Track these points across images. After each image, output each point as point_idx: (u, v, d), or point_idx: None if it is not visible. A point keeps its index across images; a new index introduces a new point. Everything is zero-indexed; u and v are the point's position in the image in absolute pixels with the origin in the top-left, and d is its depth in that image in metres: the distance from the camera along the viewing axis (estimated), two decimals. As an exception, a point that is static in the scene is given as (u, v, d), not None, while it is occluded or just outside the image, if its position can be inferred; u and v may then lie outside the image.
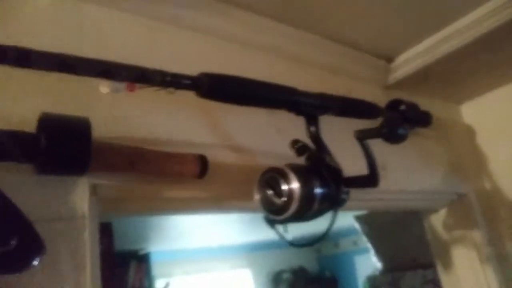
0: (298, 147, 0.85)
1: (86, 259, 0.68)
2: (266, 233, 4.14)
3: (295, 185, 0.76)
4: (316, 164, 0.84)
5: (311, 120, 0.88)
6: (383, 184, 0.93)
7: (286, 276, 5.90)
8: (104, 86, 0.62)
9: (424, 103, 1.39)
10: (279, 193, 0.78)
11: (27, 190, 0.66)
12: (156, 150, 0.75)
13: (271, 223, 0.83)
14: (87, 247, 0.69)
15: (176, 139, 0.85)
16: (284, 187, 0.77)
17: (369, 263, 5.10)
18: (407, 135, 0.90)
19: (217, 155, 0.89)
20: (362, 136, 0.87)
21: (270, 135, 1.04)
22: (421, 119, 1.44)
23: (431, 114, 1.49)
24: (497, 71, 1.52)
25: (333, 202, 0.82)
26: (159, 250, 4.68)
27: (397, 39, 1.33)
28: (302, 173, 0.78)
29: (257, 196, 0.82)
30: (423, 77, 1.41)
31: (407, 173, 1.39)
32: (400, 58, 1.37)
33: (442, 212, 1.61)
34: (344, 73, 1.31)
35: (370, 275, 2.30)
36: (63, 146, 0.64)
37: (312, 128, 0.88)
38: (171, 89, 0.68)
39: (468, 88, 1.64)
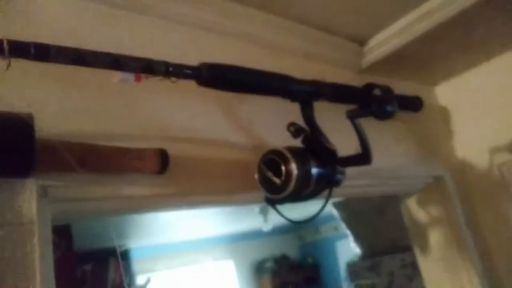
0: (294, 129, 0.89)
1: (35, 267, 0.62)
2: (248, 223, 4.13)
3: (292, 165, 0.81)
4: (312, 146, 0.88)
5: (306, 106, 0.93)
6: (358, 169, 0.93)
7: (268, 264, 5.91)
8: (114, 77, 0.64)
9: (399, 86, 1.35)
10: (277, 173, 0.82)
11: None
12: (110, 146, 0.69)
13: (271, 202, 0.88)
14: (36, 254, 0.63)
15: (134, 133, 0.79)
16: (283, 167, 0.82)
17: (350, 248, 5.18)
18: (394, 112, 0.99)
19: (178, 148, 0.83)
20: (354, 115, 0.95)
21: (240, 126, 0.99)
22: (411, 104, 1.45)
23: (422, 99, 1.48)
24: (471, 51, 1.50)
25: (328, 182, 0.88)
26: (139, 246, 4.60)
27: (369, 21, 1.28)
28: (299, 155, 0.84)
29: (256, 176, 0.86)
30: (396, 60, 1.38)
31: (382, 157, 1.36)
32: (373, 41, 1.33)
33: (418, 196, 1.59)
34: (318, 57, 1.26)
35: (349, 261, 2.29)
36: (1, 145, 0.57)
37: (307, 113, 0.92)
38: (173, 79, 0.71)
39: (443, 69, 1.61)
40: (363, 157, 0.90)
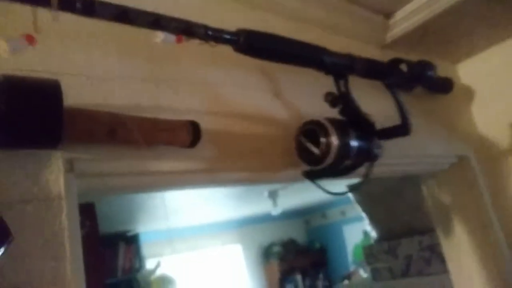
0: (331, 98, 0.87)
1: (65, 245, 0.58)
2: (257, 207, 4.10)
3: (333, 136, 0.80)
4: (352, 117, 0.87)
5: (340, 79, 0.91)
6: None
7: (276, 249, 5.91)
8: (157, 37, 0.64)
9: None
10: (316, 144, 0.81)
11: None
12: (140, 117, 0.64)
13: (310, 177, 0.87)
14: (65, 232, 0.58)
15: (163, 104, 0.74)
16: (322, 138, 0.81)
17: (357, 232, 5.16)
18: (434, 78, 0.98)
19: (210, 121, 0.78)
20: (392, 84, 0.96)
21: (276, 99, 0.94)
22: (441, 85, 1.40)
23: (452, 80, 1.43)
24: (495, 27, 1.43)
25: (367, 155, 0.85)
26: (149, 230, 4.59)
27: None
28: (339, 126, 0.82)
29: (295, 146, 0.85)
30: (421, 35, 1.31)
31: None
32: (400, 13, 1.26)
33: (442, 176, 1.54)
34: (341, 31, 1.20)
35: (366, 245, 2.25)
36: (27, 113, 0.52)
37: (342, 86, 0.90)
38: (212, 43, 0.70)
39: (466, 46, 1.55)
40: (402, 128, 0.88)
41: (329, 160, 0.79)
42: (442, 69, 1.57)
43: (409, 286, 1.96)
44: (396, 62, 1.21)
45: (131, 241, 4.29)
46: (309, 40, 1.01)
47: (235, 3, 0.99)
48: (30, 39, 0.55)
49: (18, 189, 0.57)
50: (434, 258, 1.93)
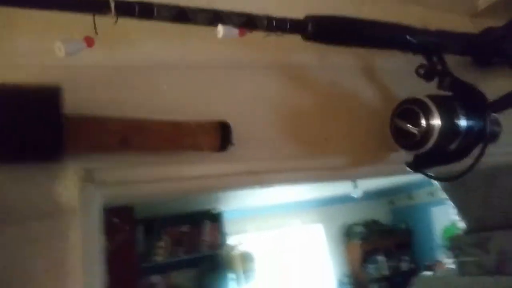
0: (424, 71, 0.76)
1: (76, 264, 0.51)
2: (337, 188, 3.92)
3: (435, 115, 0.68)
4: (456, 91, 0.74)
5: (433, 56, 0.78)
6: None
7: (358, 229, 5.67)
8: (219, 31, 0.59)
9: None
10: (416, 125, 0.70)
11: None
12: (157, 121, 0.54)
13: (416, 167, 0.76)
14: (78, 249, 0.52)
15: (189, 103, 0.64)
16: (422, 119, 0.69)
17: (446, 214, 4.72)
18: None
19: (245, 120, 0.67)
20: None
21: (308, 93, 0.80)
22: None
23: None
24: None
25: (481, 136, 0.71)
26: (231, 208, 4.67)
27: None
28: (442, 103, 0.70)
29: (390, 129, 0.75)
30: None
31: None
32: (493, -28, 1.01)
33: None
34: (420, 0, 0.99)
35: (453, 236, 1.99)
36: (23, 126, 0.45)
37: (437, 64, 0.77)
38: (278, 33, 0.65)
39: None
40: None
41: (431, 143, 0.68)
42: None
43: (501, 285, 1.68)
44: (488, 33, 0.97)
45: (215, 219, 4.40)
46: (375, 13, 0.86)
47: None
48: (89, 41, 0.54)
49: (28, 204, 0.51)
50: (536, 256, 1.63)
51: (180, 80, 0.65)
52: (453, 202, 2.03)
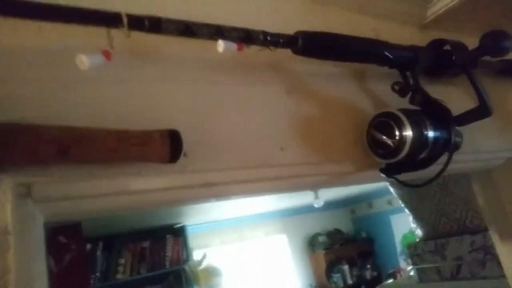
0: (399, 88, 0.83)
1: (9, 291, 0.46)
2: (299, 199, 3.95)
3: (407, 127, 0.75)
4: (425, 106, 0.82)
5: (407, 71, 0.88)
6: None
7: (321, 239, 5.72)
8: (220, 45, 0.62)
9: (470, 46, 1.06)
10: (390, 136, 0.77)
11: None
12: (99, 129, 0.50)
13: (388, 173, 0.83)
14: (12, 274, 0.46)
15: (137, 111, 0.60)
16: (396, 130, 0.76)
17: (405, 222, 4.85)
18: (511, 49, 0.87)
19: (199, 130, 0.64)
20: (465, 59, 0.90)
21: (268, 100, 0.78)
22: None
23: None
24: None
25: (446, 146, 0.79)
26: (195, 222, 4.58)
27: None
28: (413, 116, 0.77)
29: (367, 140, 0.82)
30: (470, 10, 1.08)
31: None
32: (441, -15, 1.04)
33: (496, 171, 1.30)
34: (372, 10, 1.00)
35: (411, 243, 2.02)
36: None
37: (410, 78, 0.87)
38: (272, 48, 0.70)
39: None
40: (481, 110, 0.82)
41: (404, 152, 0.74)
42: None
43: (460, 289, 1.72)
44: (439, 44, 1.00)
45: (179, 233, 4.30)
46: (329, 23, 0.89)
47: None
48: (107, 55, 0.55)
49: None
50: (489, 260, 1.68)
51: (127, 86, 0.61)
52: (409, 210, 2.07)
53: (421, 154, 0.79)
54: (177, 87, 0.66)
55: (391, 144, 0.77)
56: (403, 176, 0.85)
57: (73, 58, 0.52)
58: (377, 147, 0.80)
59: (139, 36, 0.57)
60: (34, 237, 0.53)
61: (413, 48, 0.91)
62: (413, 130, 0.75)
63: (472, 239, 1.74)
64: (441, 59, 0.98)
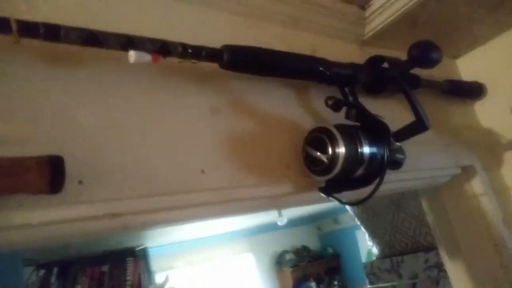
0: (332, 102, 0.80)
1: None
2: (264, 217, 3.87)
3: (340, 143, 0.72)
4: (363, 121, 0.80)
5: (345, 90, 0.87)
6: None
7: (289, 256, 5.64)
8: (130, 56, 0.58)
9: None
10: (324, 152, 0.74)
11: None
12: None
13: (327, 192, 0.80)
14: None
15: (19, 134, 0.52)
16: (329, 146, 0.73)
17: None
18: (440, 60, 0.85)
19: (98, 151, 0.56)
20: (396, 69, 0.89)
21: (193, 119, 0.72)
22: (469, 89, 1.29)
23: (481, 83, 1.28)
24: (501, 12, 1.17)
25: (384, 163, 0.75)
26: (157, 244, 4.40)
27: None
28: (347, 132, 0.74)
29: (303, 154, 0.79)
30: (409, 26, 1.07)
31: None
32: (377, 2, 1.02)
33: (444, 189, 1.28)
34: (307, 26, 0.97)
35: (366, 262, 1.98)
36: None
37: (349, 94, 0.87)
38: (194, 61, 0.67)
39: (466, 38, 1.28)
40: (419, 124, 0.80)
41: (338, 168, 0.72)
42: (440, 67, 1.32)
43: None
44: (376, 61, 0.97)
45: (140, 256, 4.11)
46: (265, 39, 0.87)
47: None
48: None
49: None
50: (443, 277, 1.66)
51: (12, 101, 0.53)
52: (365, 228, 2.04)
53: (358, 171, 0.76)
54: (76, 103, 0.58)
55: (325, 160, 0.74)
56: (345, 196, 0.81)
57: None
58: (312, 163, 0.77)
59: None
60: None
61: (351, 66, 0.90)
62: (346, 145, 0.72)
63: (426, 256, 1.72)
64: (379, 76, 0.95)
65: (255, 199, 0.78)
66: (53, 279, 3.58)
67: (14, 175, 0.44)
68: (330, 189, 0.80)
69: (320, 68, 0.82)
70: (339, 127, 0.75)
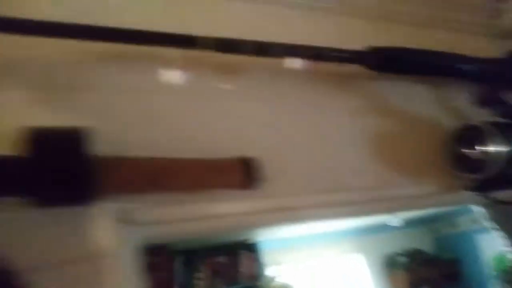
0: (479, 98, 0.81)
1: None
2: (378, 217, 3.77)
3: (501, 141, 0.72)
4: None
5: (488, 85, 0.84)
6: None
7: (401, 259, 5.41)
8: (285, 63, 0.65)
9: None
10: (477, 150, 0.74)
11: (27, 228, 0.50)
12: (184, 159, 0.55)
13: (480, 190, 0.79)
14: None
15: (215, 139, 0.64)
16: (483, 144, 0.73)
17: (493, 242, 4.40)
18: None
19: (276, 155, 0.66)
20: None
21: (341, 121, 0.78)
22: None
23: None
24: None
25: None
26: (268, 238, 4.58)
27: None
28: (505, 130, 0.74)
29: (451, 153, 0.79)
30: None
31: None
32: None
33: None
34: (443, 24, 0.97)
35: (506, 268, 1.83)
36: (50, 170, 0.46)
37: (494, 94, 0.83)
38: (342, 64, 0.71)
39: None
40: None
41: (496, 167, 0.71)
42: None
43: None
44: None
45: (252, 249, 4.34)
46: (392, 38, 0.87)
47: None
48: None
49: (65, 249, 0.52)
50: None
51: (209, 116, 0.65)
52: (503, 232, 1.89)
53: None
54: (258, 119, 0.69)
55: (484, 158, 0.73)
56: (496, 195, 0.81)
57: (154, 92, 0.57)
58: (460, 162, 0.77)
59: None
60: (132, 258, 0.58)
61: (496, 60, 0.88)
62: (507, 143, 0.72)
63: None
64: None
65: (402, 198, 0.82)
66: (179, 267, 3.97)
67: (221, 173, 0.55)
68: (482, 188, 0.79)
69: (459, 66, 0.82)
70: (496, 124, 0.75)
